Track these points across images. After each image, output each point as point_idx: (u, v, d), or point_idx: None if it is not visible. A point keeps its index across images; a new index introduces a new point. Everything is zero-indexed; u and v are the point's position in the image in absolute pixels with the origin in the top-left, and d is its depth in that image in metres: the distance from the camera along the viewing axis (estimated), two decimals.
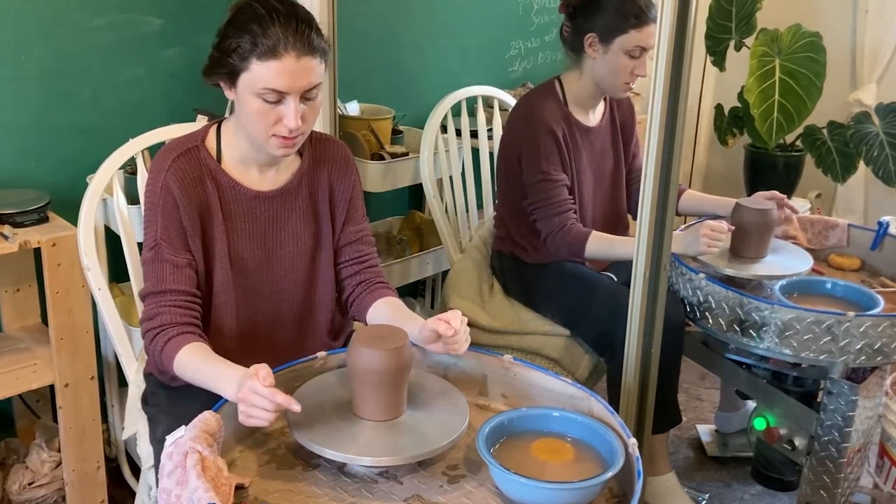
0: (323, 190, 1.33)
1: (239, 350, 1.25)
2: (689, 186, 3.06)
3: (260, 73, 1.15)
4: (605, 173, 1.84)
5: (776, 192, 1.83)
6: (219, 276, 1.27)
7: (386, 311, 1.32)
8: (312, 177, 1.32)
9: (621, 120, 1.88)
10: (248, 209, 1.28)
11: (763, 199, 1.79)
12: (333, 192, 1.34)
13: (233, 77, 1.18)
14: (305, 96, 1.18)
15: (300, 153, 1.33)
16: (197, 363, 1.16)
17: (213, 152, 1.27)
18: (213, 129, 1.29)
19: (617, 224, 1.87)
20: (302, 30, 1.15)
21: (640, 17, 1.64)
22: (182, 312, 1.21)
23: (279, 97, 1.16)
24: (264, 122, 1.19)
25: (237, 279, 1.28)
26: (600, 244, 1.68)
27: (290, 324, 1.35)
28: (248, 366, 1.15)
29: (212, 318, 1.29)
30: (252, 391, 1.01)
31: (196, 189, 1.24)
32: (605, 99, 1.84)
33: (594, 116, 1.82)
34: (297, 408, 1.00)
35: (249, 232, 1.29)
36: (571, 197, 1.72)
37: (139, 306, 1.46)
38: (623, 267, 1.83)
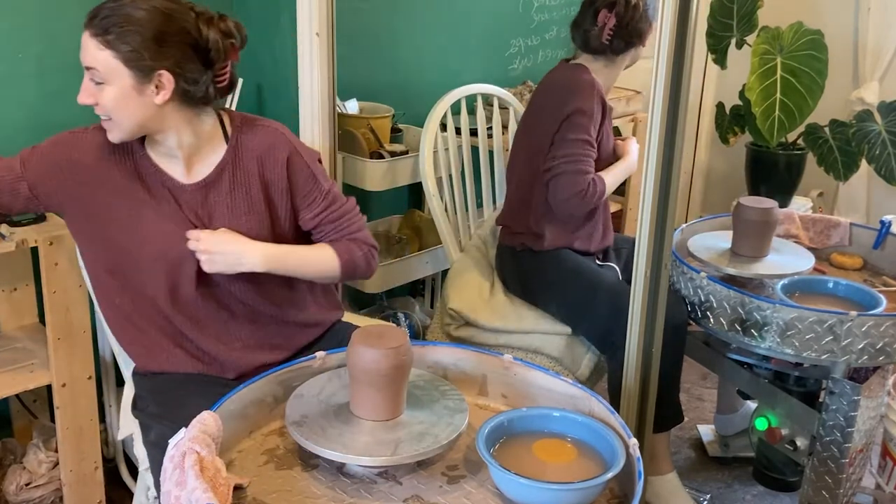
0: (252, 180, 1.29)
1: (233, 325, 1.30)
2: (691, 185, 3.07)
3: None
4: (609, 155, 1.88)
5: None
6: (144, 256, 1.26)
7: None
8: (237, 167, 1.29)
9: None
10: (173, 199, 1.27)
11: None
12: (266, 181, 1.30)
13: None
14: (92, 77, 1.20)
15: (226, 142, 1.30)
16: None
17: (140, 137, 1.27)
18: None
19: (604, 208, 1.91)
20: (100, 10, 1.17)
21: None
22: None
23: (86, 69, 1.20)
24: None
25: (161, 266, 1.26)
26: (608, 178, 1.80)
27: (247, 316, 1.33)
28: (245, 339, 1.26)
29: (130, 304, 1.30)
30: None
31: (115, 156, 1.26)
32: None
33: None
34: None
35: (180, 221, 1.27)
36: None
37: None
38: (621, 256, 1.86)
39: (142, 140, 1.27)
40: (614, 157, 1.88)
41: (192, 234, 1.24)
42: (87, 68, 1.19)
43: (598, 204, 1.80)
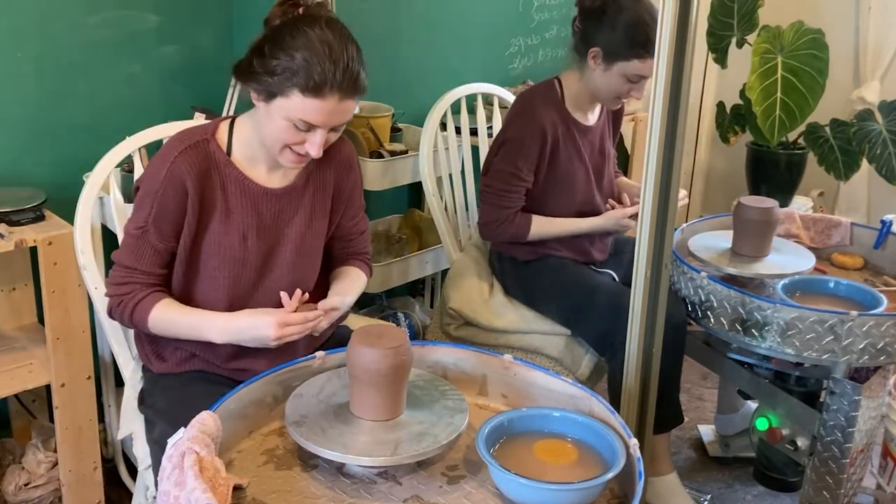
0: (328, 188, 1.35)
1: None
2: (691, 185, 3.06)
3: (298, 105, 1.16)
4: (602, 170, 1.84)
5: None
6: (209, 266, 1.28)
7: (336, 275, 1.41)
8: (319, 175, 1.34)
9: (614, 118, 1.90)
10: (254, 204, 1.28)
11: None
12: (338, 189, 1.36)
13: (269, 95, 1.19)
14: (334, 128, 1.20)
15: None
16: (174, 314, 1.25)
17: (224, 146, 1.27)
18: (226, 124, 1.30)
19: None
20: (351, 71, 1.15)
21: (646, 47, 1.61)
22: (152, 284, 1.27)
23: (310, 127, 1.18)
24: (285, 140, 1.20)
25: (230, 271, 1.28)
26: (543, 227, 1.76)
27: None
28: (232, 353, 1.26)
29: (197, 303, 1.30)
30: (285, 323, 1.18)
31: (202, 180, 1.25)
32: None
33: (592, 116, 1.82)
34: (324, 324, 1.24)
35: (253, 228, 1.29)
36: (523, 200, 1.76)
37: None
38: (622, 263, 1.84)
39: (228, 151, 1.28)
40: (587, 179, 1.78)
41: (308, 318, 1.23)
42: (334, 128, 1.20)
43: (520, 240, 1.75)
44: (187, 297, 1.30)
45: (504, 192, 1.73)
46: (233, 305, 1.29)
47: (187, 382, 1.30)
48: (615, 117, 1.89)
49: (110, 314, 1.30)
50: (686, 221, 1.90)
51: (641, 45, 1.61)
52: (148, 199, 1.23)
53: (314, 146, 1.18)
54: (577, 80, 1.75)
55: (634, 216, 1.72)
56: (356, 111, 2.08)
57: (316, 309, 1.25)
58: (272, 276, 1.32)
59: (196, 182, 1.23)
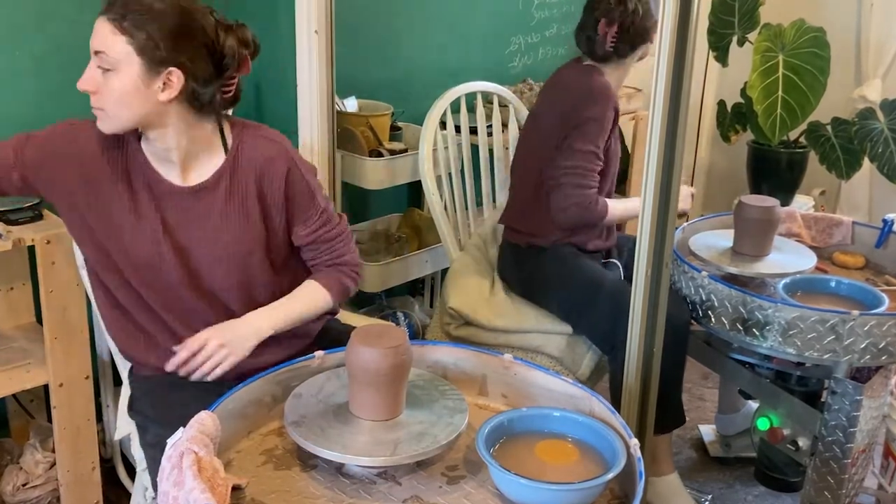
0: (249, 191, 1.26)
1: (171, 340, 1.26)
2: (692, 183, 3.06)
3: None
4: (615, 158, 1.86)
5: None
6: (123, 252, 1.25)
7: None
8: (234, 176, 1.26)
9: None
10: (159, 200, 1.25)
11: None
12: (262, 193, 1.27)
13: None
14: (100, 64, 1.16)
15: (225, 150, 1.27)
16: None
17: (137, 133, 1.24)
18: None
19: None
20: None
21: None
22: None
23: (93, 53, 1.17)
24: None
25: (141, 272, 1.25)
26: (618, 207, 1.76)
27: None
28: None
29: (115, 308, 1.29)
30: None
31: (110, 152, 1.23)
32: None
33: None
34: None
35: (160, 223, 1.24)
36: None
37: None
38: (623, 255, 1.85)
39: (138, 137, 1.25)
40: (617, 160, 1.83)
41: (191, 346, 1.20)
42: (96, 53, 1.16)
43: (599, 223, 1.75)
44: (117, 309, 1.29)
45: (590, 171, 1.71)
46: (167, 310, 1.27)
47: (172, 386, 1.27)
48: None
49: None
50: (687, 220, 1.89)
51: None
52: (47, 129, 1.24)
53: (83, 77, 1.17)
54: (617, 72, 1.80)
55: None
56: (357, 110, 2.12)
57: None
58: (201, 283, 1.27)
59: (104, 149, 1.22)
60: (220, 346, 1.20)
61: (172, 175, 1.25)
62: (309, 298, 1.32)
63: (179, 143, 1.22)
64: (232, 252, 1.27)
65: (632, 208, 1.75)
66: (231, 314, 1.29)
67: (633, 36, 1.75)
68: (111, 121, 1.19)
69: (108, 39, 1.14)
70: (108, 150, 1.24)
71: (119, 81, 1.16)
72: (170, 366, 1.20)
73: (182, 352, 1.20)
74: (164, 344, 1.28)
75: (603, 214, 1.72)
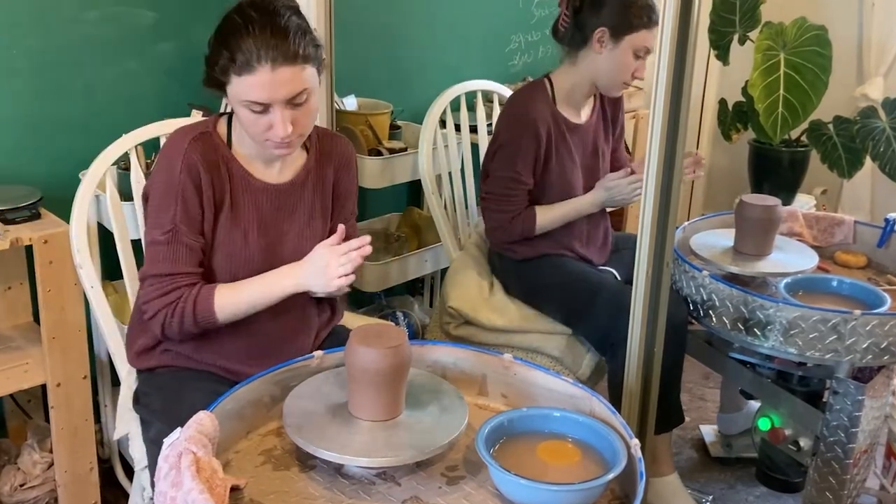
0: (328, 186, 1.35)
1: (230, 336, 1.27)
2: (693, 182, 3.05)
3: (239, 87, 1.17)
4: (595, 169, 1.82)
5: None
6: (219, 263, 1.27)
7: None
8: (318, 172, 1.34)
9: (612, 115, 1.88)
10: (255, 200, 1.28)
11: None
12: (337, 188, 1.36)
13: (221, 88, 1.20)
14: (294, 102, 1.17)
15: (306, 148, 1.34)
16: (236, 293, 1.22)
17: (225, 140, 1.27)
18: (224, 119, 1.30)
19: (603, 217, 1.87)
20: (277, 39, 1.14)
21: (651, 17, 1.65)
22: (195, 284, 1.23)
23: (264, 107, 1.17)
24: (255, 128, 1.20)
25: (236, 268, 1.27)
26: (547, 215, 1.74)
27: (283, 313, 1.31)
28: (240, 352, 1.26)
29: None
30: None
31: (213, 172, 1.24)
32: (594, 95, 1.82)
33: (584, 113, 1.81)
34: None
35: (255, 223, 1.28)
36: (527, 201, 1.74)
37: (130, 293, 1.44)
38: (623, 261, 1.83)
39: (228, 145, 1.27)
40: (579, 178, 1.77)
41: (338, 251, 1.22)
42: (290, 101, 1.17)
43: (529, 235, 1.74)
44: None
45: (505, 197, 1.73)
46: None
47: (183, 381, 1.28)
48: (612, 113, 1.87)
49: (163, 332, 1.24)
50: (688, 219, 1.88)
51: (647, 13, 1.65)
52: (169, 198, 1.21)
53: (278, 126, 1.18)
54: (570, 74, 1.74)
55: (632, 182, 1.70)
56: (357, 108, 2.11)
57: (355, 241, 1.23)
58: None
59: (208, 173, 1.23)
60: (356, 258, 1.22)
61: (260, 173, 1.29)
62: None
63: None
64: (308, 243, 1.31)
65: (567, 211, 1.74)
66: (286, 304, 1.30)
67: (592, 15, 1.64)
68: (302, 139, 1.25)
69: (298, 80, 1.17)
70: (211, 160, 1.24)
71: (315, 99, 1.21)
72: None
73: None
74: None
75: (529, 227, 1.72)
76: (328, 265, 1.20)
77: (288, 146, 1.22)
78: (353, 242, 1.21)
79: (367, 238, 1.23)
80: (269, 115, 1.18)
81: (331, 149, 1.35)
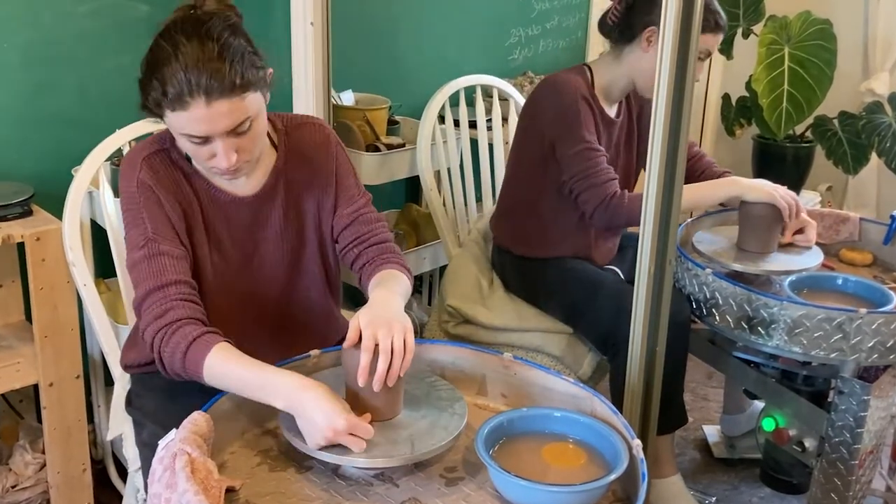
0: (304, 182, 1.25)
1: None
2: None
3: (175, 122, 1.08)
4: (619, 168, 1.79)
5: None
6: (199, 277, 1.21)
7: (374, 286, 1.21)
8: (290, 172, 1.24)
9: (644, 116, 1.82)
10: (224, 213, 1.21)
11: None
12: (314, 181, 1.26)
13: (159, 117, 1.11)
14: (236, 132, 1.09)
15: (275, 146, 1.25)
16: (233, 368, 1.04)
17: (184, 154, 1.19)
18: None
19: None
20: (210, 69, 1.04)
21: (714, 21, 1.61)
22: (194, 308, 1.11)
23: (203, 139, 1.09)
24: (198, 157, 1.14)
25: (216, 285, 1.23)
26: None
27: (267, 324, 1.28)
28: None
29: None
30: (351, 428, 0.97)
31: (173, 190, 1.18)
32: (627, 96, 1.79)
33: (615, 110, 1.78)
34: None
35: (227, 236, 1.23)
36: (614, 173, 1.65)
37: (127, 307, 1.42)
38: (626, 259, 1.80)
39: (188, 158, 1.19)
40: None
41: (365, 345, 1.02)
42: (231, 131, 1.09)
43: (635, 214, 1.56)
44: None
45: (589, 170, 1.61)
46: (218, 321, 1.20)
47: (176, 382, 1.26)
48: (646, 114, 1.81)
49: (161, 364, 1.12)
50: (690, 217, 1.87)
51: (711, 17, 1.61)
52: (135, 216, 1.15)
53: (220, 157, 1.10)
54: (611, 68, 1.70)
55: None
56: (354, 103, 2.09)
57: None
58: (257, 286, 1.25)
59: (167, 191, 1.16)
60: (389, 331, 1.01)
61: (227, 185, 1.21)
62: (403, 287, 1.20)
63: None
64: (292, 247, 1.26)
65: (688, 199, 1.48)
66: (272, 314, 1.26)
67: (646, 13, 1.60)
68: (250, 164, 1.16)
69: (238, 111, 1.07)
70: (171, 179, 1.18)
71: (261, 123, 1.13)
72: (360, 380, 1.01)
73: (362, 356, 1.01)
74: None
75: (634, 208, 1.57)
76: (325, 430, 0.97)
77: (235, 172, 1.15)
78: (362, 429, 0.99)
79: (371, 431, 1.00)
80: (211, 145, 1.10)
81: (299, 140, 1.25)
